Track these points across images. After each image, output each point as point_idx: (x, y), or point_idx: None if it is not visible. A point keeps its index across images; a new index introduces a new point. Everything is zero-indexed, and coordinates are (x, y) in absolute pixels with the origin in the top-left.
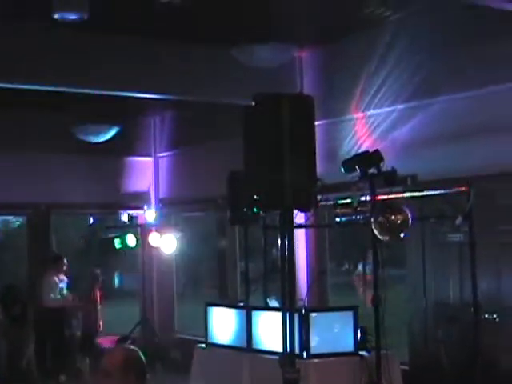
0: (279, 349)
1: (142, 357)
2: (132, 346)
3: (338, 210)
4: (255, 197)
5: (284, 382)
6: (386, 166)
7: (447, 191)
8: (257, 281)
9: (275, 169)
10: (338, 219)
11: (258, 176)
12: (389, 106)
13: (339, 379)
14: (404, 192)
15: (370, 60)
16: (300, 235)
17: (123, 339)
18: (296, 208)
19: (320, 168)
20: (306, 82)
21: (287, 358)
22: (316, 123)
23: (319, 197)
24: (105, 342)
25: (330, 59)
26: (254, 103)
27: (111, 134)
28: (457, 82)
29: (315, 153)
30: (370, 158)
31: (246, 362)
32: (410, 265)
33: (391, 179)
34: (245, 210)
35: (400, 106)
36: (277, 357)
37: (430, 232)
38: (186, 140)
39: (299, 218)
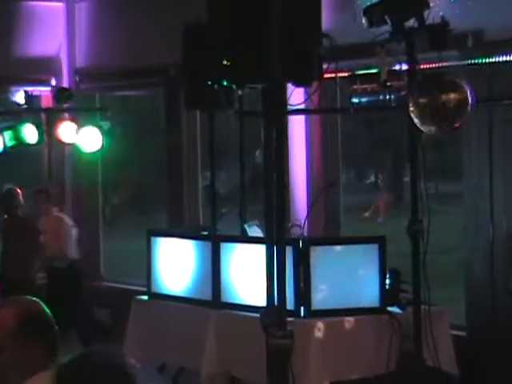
0: (262, 302)
1: (47, 312)
2: (30, 298)
3: (356, 86)
4: (225, 62)
5: (268, 351)
6: (432, 16)
7: None
8: (229, 198)
9: (257, 18)
10: (356, 100)
11: (231, 29)
12: None
13: (357, 348)
14: (461, 59)
15: None
16: (297, 126)
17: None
18: (289, 81)
19: (328, 19)
20: None
21: (274, 316)
22: None
23: (326, 65)
24: None
25: None
26: None
27: None
28: None
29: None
30: (409, 4)
31: (213, 323)
32: (468, 176)
33: (441, 38)
34: (209, 84)
35: None
36: (258, 314)
37: (500, 122)
38: None
39: (295, 97)
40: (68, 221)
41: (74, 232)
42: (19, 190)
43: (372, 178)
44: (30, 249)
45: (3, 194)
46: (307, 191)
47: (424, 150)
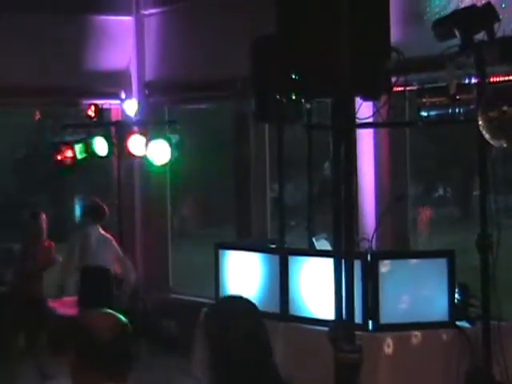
0: (330, 316)
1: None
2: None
3: (424, 100)
4: (293, 76)
5: (337, 365)
6: (503, 29)
7: None
8: (298, 211)
9: (326, 32)
10: (424, 113)
11: (299, 42)
12: None
13: (425, 362)
14: None
15: None
16: (366, 139)
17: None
18: (358, 95)
19: (397, 33)
20: None
21: (342, 330)
22: None
23: (395, 78)
24: (61, 305)
25: None
26: None
27: None
28: None
29: (388, 8)
30: (479, 17)
31: (280, 336)
32: None
33: (511, 50)
34: (278, 97)
35: None
36: (326, 328)
37: None
38: None
39: (364, 110)
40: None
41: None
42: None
43: (441, 192)
44: None
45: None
46: (375, 205)
47: (494, 163)
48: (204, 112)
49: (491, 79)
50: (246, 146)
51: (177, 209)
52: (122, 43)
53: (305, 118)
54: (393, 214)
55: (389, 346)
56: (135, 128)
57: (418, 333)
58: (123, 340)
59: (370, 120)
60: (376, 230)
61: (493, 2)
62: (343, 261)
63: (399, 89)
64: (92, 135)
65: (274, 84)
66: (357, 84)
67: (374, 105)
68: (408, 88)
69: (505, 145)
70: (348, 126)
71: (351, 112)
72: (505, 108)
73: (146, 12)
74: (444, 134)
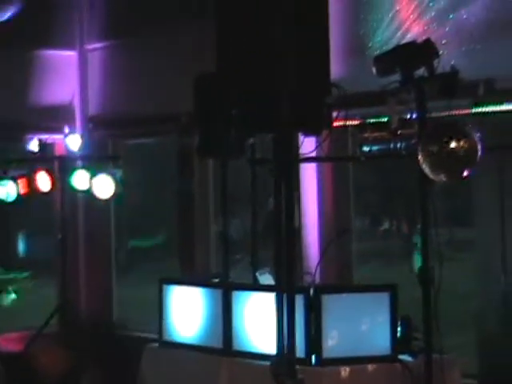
0: (274, 350)
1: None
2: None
3: (366, 134)
4: (234, 112)
5: None
6: (443, 65)
7: None
8: (243, 245)
9: (265, 68)
10: (366, 148)
11: (240, 79)
12: None
13: None
14: (472, 106)
15: None
16: (309, 173)
17: (34, 337)
18: (298, 130)
19: (337, 68)
20: None
21: (284, 364)
22: None
23: (336, 113)
24: (3, 342)
25: None
26: None
27: (9, 14)
28: None
29: (329, 44)
30: (419, 53)
31: (224, 371)
32: (479, 223)
33: (451, 86)
34: (220, 132)
35: None
36: (269, 362)
37: (511, 170)
38: (130, 23)
39: (307, 145)
40: None
41: None
42: None
43: (386, 225)
44: None
45: None
46: (319, 239)
47: (435, 197)
48: (148, 146)
49: (431, 114)
50: (190, 180)
51: (122, 243)
52: (65, 78)
53: (248, 153)
54: (337, 247)
55: (331, 379)
56: (79, 163)
57: (361, 366)
58: (69, 377)
59: (313, 154)
60: (319, 263)
61: (433, 39)
62: (284, 295)
63: (341, 123)
64: (35, 170)
65: (216, 119)
66: (297, 120)
67: (317, 139)
68: (350, 123)
69: (444, 179)
70: (289, 161)
71: (292, 147)
72: (444, 143)
73: (90, 47)
74: (388, 167)
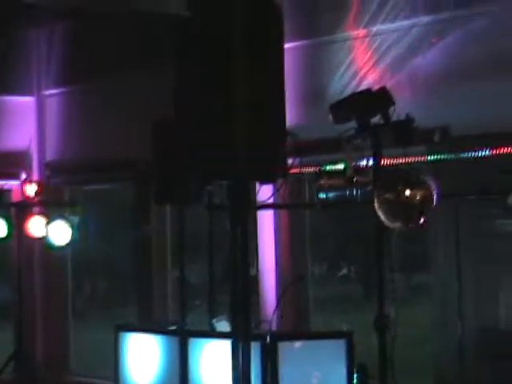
0: None
1: None
2: None
3: (322, 182)
4: (189, 160)
5: None
6: (398, 112)
7: (496, 153)
8: (202, 291)
9: (221, 116)
10: (322, 195)
11: (195, 128)
12: (406, 17)
13: None
14: (427, 154)
15: None
16: (266, 220)
17: None
18: (254, 178)
19: (293, 116)
20: None
21: None
22: (287, 45)
23: (291, 160)
24: None
25: None
26: (189, 13)
27: None
28: None
29: (284, 92)
30: (374, 101)
31: None
32: (436, 268)
33: (406, 134)
34: (178, 179)
35: (424, 19)
36: None
37: (467, 216)
38: (89, 70)
39: (265, 191)
40: None
41: None
42: None
43: (345, 271)
44: None
45: None
46: (276, 285)
47: (391, 242)
48: (106, 192)
49: (388, 161)
50: (148, 226)
51: (80, 289)
52: (22, 123)
53: (205, 200)
54: (293, 294)
55: None
56: (36, 209)
57: None
58: None
59: (270, 201)
60: (276, 310)
61: (388, 86)
62: (240, 343)
63: (297, 170)
64: None
65: (173, 166)
66: (253, 168)
67: (274, 186)
68: (306, 170)
69: (400, 227)
70: (244, 208)
71: (248, 195)
72: (399, 191)
73: (47, 92)
74: (347, 212)
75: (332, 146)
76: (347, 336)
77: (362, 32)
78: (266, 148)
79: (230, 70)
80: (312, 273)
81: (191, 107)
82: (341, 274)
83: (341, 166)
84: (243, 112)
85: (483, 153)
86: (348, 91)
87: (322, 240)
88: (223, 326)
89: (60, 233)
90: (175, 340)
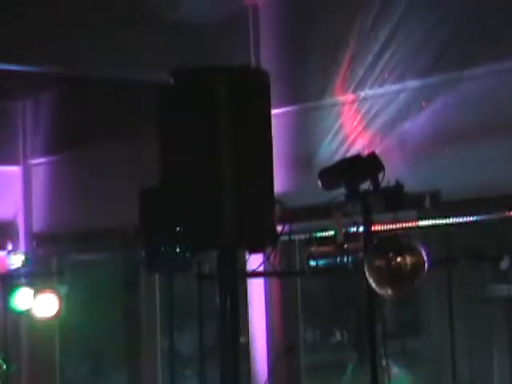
0: None
1: None
2: None
3: (313, 249)
4: (178, 229)
5: None
6: (387, 178)
7: (488, 218)
8: (193, 360)
9: (208, 185)
10: (313, 263)
11: (182, 197)
12: (395, 82)
13: None
14: (418, 219)
15: (365, 10)
16: (257, 288)
17: None
18: (243, 247)
19: (282, 183)
20: (262, 46)
21: None
22: (274, 111)
23: (280, 227)
24: None
25: (302, 8)
26: (172, 81)
27: None
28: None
29: (272, 159)
30: (363, 167)
31: None
32: (428, 335)
33: (396, 200)
34: (167, 247)
35: (412, 83)
36: None
37: (459, 282)
38: (74, 139)
39: (254, 261)
40: None
41: None
42: None
43: (338, 337)
44: None
45: None
46: (267, 354)
47: (386, 308)
48: (94, 262)
49: (379, 227)
50: (137, 295)
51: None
52: (9, 193)
53: (195, 268)
54: (285, 362)
55: None
56: (22, 280)
57: None
58: None
59: (260, 269)
60: (268, 379)
61: (378, 152)
62: None
63: (287, 238)
64: None
65: (162, 234)
66: (241, 238)
67: (264, 254)
68: (296, 237)
69: (390, 293)
70: (234, 277)
71: (237, 265)
72: (390, 258)
73: (34, 162)
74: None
75: (322, 213)
76: None
77: (350, 97)
78: (255, 216)
79: (216, 138)
80: (304, 340)
81: (178, 175)
82: (334, 340)
83: (331, 233)
84: (231, 180)
85: (474, 217)
86: (337, 157)
87: (314, 306)
88: None
89: (48, 304)
90: None
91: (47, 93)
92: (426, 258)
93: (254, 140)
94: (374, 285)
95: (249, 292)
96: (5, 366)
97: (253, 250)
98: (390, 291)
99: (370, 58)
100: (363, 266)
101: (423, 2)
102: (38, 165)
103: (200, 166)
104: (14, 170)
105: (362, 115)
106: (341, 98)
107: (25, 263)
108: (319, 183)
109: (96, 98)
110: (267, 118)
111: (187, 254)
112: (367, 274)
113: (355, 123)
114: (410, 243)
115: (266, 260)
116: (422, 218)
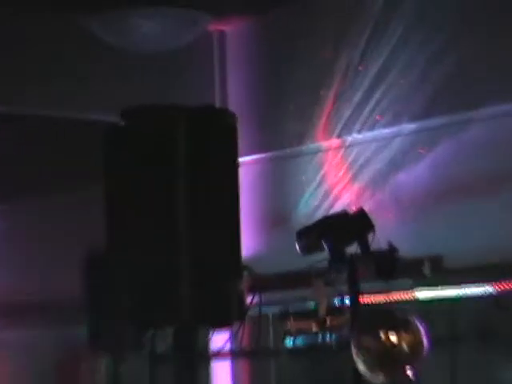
0: None
1: None
2: None
3: (289, 325)
4: (127, 303)
5: None
6: (379, 240)
7: (498, 288)
8: None
9: (161, 250)
10: (289, 342)
11: (130, 262)
12: (387, 125)
13: None
14: (415, 289)
15: (353, 41)
16: (222, 370)
17: None
18: (202, 324)
19: (251, 245)
20: (230, 82)
21: None
22: (243, 159)
23: (249, 299)
24: None
25: (278, 36)
26: (123, 123)
27: None
28: None
29: (239, 216)
30: (350, 226)
31: None
32: None
33: (389, 266)
34: (114, 324)
35: (408, 127)
36: None
37: (467, 364)
38: (9, 189)
39: (218, 339)
40: None
41: None
42: None
43: None
44: None
45: None
46: None
47: None
48: (30, 337)
49: (366, 299)
50: (79, 379)
51: None
52: None
53: (147, 348)
54: None
55: None
56: None
57: None
58: None
59: (226, 348)
60: None
61: (367, 208)
62: None
63: (258, 311)
64: None
65: (106, 309)
66: (201, 311)
67: (230, 330)
68: (270, 312)
69: (381, 379)
70: (193, 359)
71: (195, 343)
72: (382, 336)
73: None
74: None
75: (300, 281)
76: None
77: (334, 142)
78: (217, 286)
79: (170, 191)
80: None
81: (122, 241)
82: None
83: (311, 305)
84: (188, 242)
85: (483, 288)
86: (319, 214)
87: None
88: None
89: None
90: None
91: None
92: (424, 337)
93: (216, 194)
94: (362, 368)
95: (211, 376)
96: None
97: (216, 327)
98: (381, 377)
99: (358, 97)
100: (349, 346)
101: (421, 32)
102: None
103: (150, 227)
104: None
105: (348, 164)
106: (324, 144)
107: None
108: (297, 246)
109: (37, 144)
110: (233, 167)
111: (136, 332)
112: (354, 355)
113: (340, 173)
114: (406, 318)
115: (233, 338)
116: (419, 288)
